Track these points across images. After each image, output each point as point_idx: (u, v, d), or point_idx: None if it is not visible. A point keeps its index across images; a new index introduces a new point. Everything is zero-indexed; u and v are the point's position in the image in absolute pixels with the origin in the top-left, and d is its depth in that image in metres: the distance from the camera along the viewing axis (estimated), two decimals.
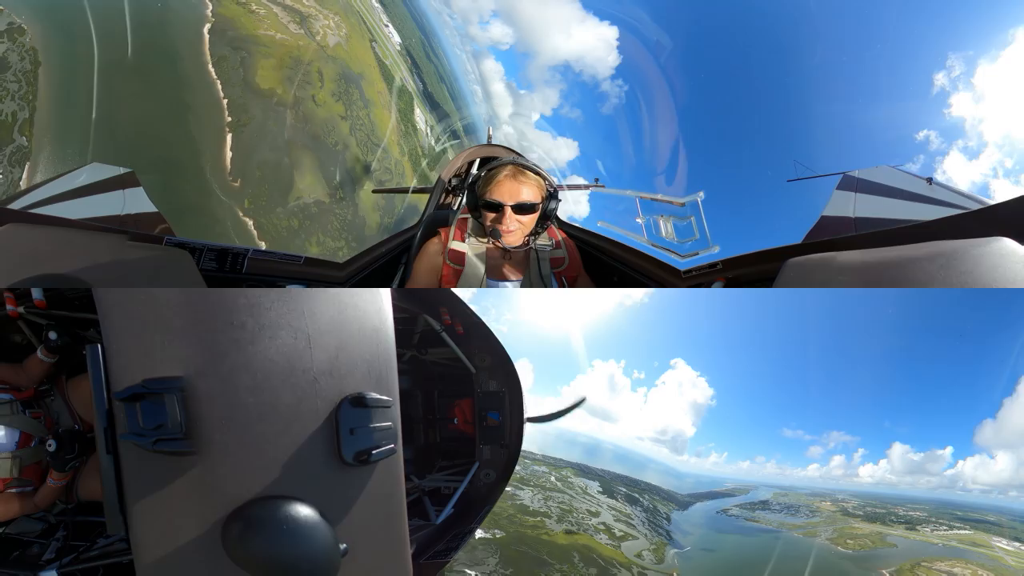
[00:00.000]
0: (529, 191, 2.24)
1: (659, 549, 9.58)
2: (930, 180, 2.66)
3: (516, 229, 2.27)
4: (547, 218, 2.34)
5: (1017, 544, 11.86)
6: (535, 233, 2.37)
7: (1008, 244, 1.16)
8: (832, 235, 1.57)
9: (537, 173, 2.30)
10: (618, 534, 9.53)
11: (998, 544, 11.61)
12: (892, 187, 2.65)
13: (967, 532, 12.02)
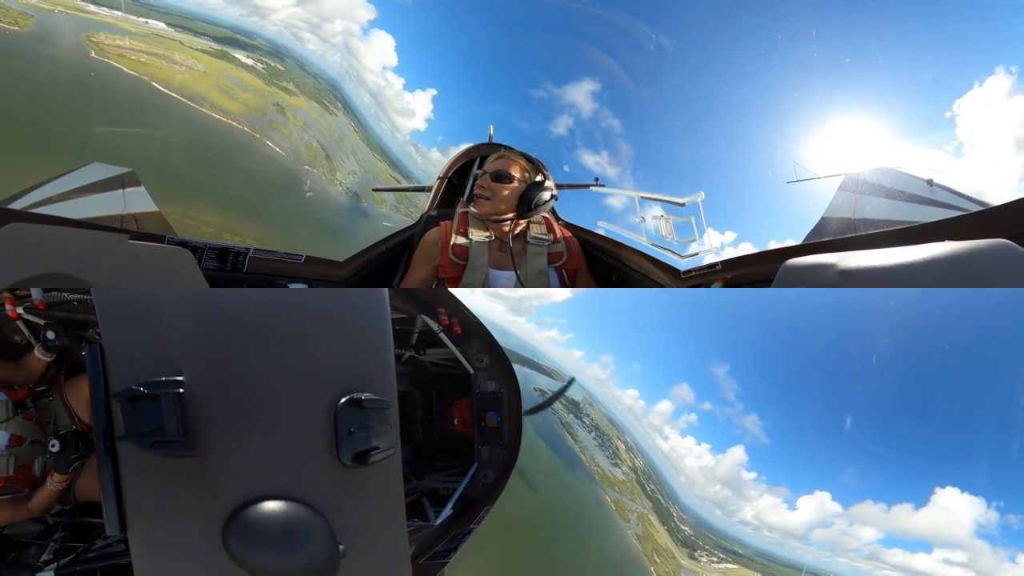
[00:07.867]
0: (511, 167, 2.42)
1: None
2: (931, 182, 2.66)
3: (489, 197, 2.38)
4: (530, 203, 2.35)
5: None
6: (521, 216, 2.38)
7: (1009, 246, 1.15)
8: (832, 236, 1.57)
9: (529, 160, 2.47)
10: None
11: None
12: (893, 189, 2.66)
13: (733, 567, 12.03)
